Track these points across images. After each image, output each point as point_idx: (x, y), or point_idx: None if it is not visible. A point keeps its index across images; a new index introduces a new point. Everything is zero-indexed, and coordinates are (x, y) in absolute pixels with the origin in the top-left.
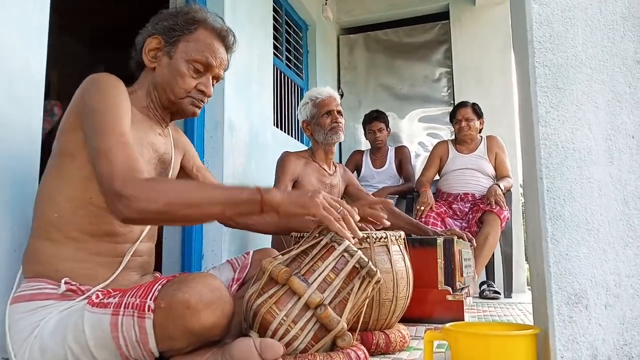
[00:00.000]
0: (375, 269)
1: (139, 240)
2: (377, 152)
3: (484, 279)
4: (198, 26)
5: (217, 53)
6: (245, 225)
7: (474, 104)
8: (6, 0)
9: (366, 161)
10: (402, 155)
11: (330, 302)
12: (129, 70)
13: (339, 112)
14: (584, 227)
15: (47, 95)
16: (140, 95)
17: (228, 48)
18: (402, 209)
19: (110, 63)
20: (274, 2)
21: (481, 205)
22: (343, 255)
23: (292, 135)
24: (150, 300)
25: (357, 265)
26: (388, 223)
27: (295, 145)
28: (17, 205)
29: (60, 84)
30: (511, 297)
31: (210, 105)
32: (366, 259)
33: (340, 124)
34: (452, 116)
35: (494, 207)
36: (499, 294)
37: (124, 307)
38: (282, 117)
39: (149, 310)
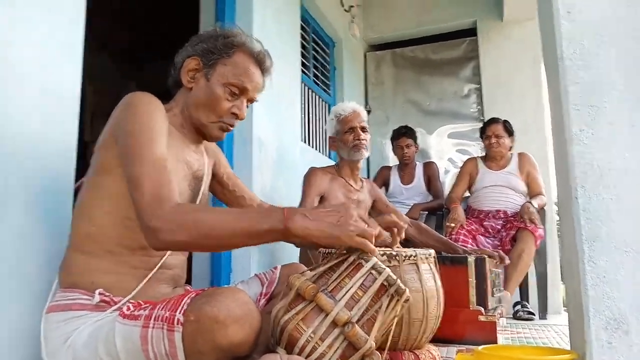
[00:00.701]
0: (403, 287)
1: (168, 253)
2: (405, 168)
3: (518, 299)
4: (236, 50)
5: (254, 77)
6: None
7: (505, 121)
8: (39, 15)
9: (394, 177)
10: (430, 171)
11: (358, 320)
12: (160, 86)
13: (362, 128)
14: (622, 249)
15: (82, 111)
16: (176, 113)
17: (264, 71)
18: (432, 226)
19: (141, 79)
20: (301, 19)
21: (515, 223)
22: (371, 273)
23: (320, 151)
24: (180, 313)
25: (385, 283)
26: (405, 227)
27: (323, 161)
28: (53, 219)
29: (95, 99)
30: (546, 319)
31: (240, 122)
32: (394, 277)
33: (362, 142)
34: (482, 132)
35: (528, 224)
36: (534, 314)
37: (154, 320)
38: (310, 133)
39: (178, 324)
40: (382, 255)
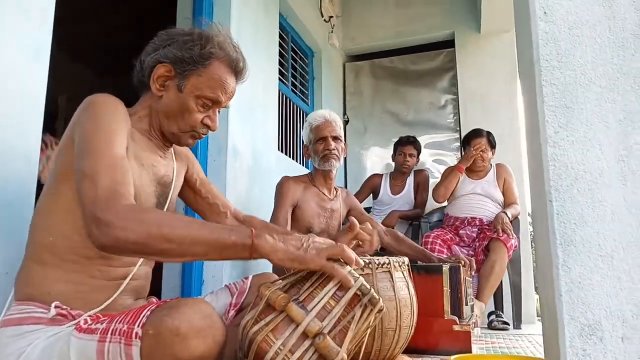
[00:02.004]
0: (377, 297)
1: (138, 264)
2: (398, 177)
3: (492, 308)
4: (212, 60)
5: (228, 88)
6: None
7: (489, 134)
8: (4, 17)
9: (384, 186)
10: (421, 179)
11: (330, 331)
12: (136, 95)
13: (334, 137)
14: (597, 253)
15: (55, 119)
16: (142, 117)
17: (239, 79)
18: (408, 235)
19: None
20: (280, 28)
21: (488, 233)
22: None
23: (297, 161)
24: (138, 326)
25: (358, 293)
26: (375, 246)
27: (299, 170)
28: (11, 228)
29: (69, 109)
30: (520, 328)
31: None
32: (368, 286)
33: (333, 152)
34: (465, 142)
35: (500, 234)
36: (508, 324)
37: (111, 334)
38: (288, 142)
39: (136, 337)
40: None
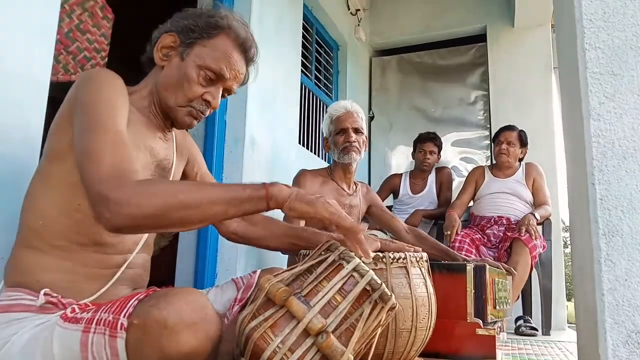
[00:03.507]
0: (389, 293)
1: (135, 251)
2: (418, 176)
3: (520, 313)
4: (220, 32)
5: (235, 65)
6: (249, 240)
7: (521, 131)
8: None
9: (404, 185)
10: (443, 177)
11: (335, 330)
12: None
13: (355, 129)
14: None
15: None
16: (143, 95)
17: (248, 60)
18: (433, 235)
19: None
20: (304, 20)
21: (509, 234)
22: (352, 275)
23: (319, 155)
24: (124, 317)
25: (367, 288)
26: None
27: (320, 164)
28: (9, 212)
29: None
30: (549, 335)
31: (231, 118)
32: (379, 281)
33: (353, 144)
34: (495, 137)
35: (523, 234)
36: (537, 330)
37: (96, 324)
38: (310, 135)
39: (121, 329)
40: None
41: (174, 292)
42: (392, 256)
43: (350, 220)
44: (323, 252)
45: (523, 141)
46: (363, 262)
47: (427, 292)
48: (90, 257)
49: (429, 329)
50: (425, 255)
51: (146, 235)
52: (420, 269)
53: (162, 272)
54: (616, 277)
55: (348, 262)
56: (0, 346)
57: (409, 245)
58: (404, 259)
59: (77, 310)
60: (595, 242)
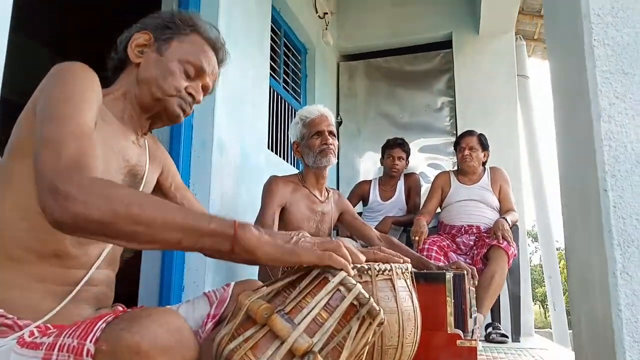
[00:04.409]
0: (377, 308)
1: (95, 266)
2: (387, 182)
3: (490, 320)
4: (193, 31)
5: (211, 61)
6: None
7: (480, 135)
8: None
9: (374, 192)
10: (412, 183)
11: (322, 349)
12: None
13: (330, 132)
14: None
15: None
16: (116, 96)
17: (220, 62)
18: (402, 242)
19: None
20: (272, 22)
21: (487, 240)
22: (338, 290)
23: (288, 161)
24: (90, 342)
25: (355, 303)
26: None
27: (289, 170)
28: None
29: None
30: (519, 341)
31: (199, 122)
32: (367, 295)
33: (331, 146)
34: (456, 144)
35: (501, 242)
36: (507, 337)
37: (59, 350)
38: (278, 140)
39: (87, 355)
40: (352, 268)
41: (147, 313)
42: (377, 268)
43: (335, 243)
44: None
45: (484, 144)
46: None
47: (413, 305)
48: (48, 270)
49: (415, 344)
50: (410, 266)
51: (109, 247)
52: (405, 280)
53: (124, 284)
54: (633, 291)
55: (334, 276)
56: None
57: (397, 254)
58: (389, 271)
59: (36, 333)
60: (609, 254)
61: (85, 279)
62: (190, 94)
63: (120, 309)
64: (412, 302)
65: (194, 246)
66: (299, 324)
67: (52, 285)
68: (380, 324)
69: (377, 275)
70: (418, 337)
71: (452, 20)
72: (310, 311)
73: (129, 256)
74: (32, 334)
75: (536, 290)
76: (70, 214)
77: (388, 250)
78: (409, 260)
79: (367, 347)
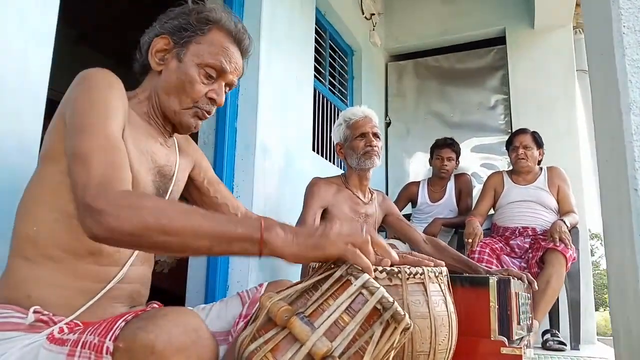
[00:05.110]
0: (402, 312)
1: (128, 264)
2: (436, 183)
3: (547, 327)
4: (212, 27)
5: (232, 57)
6: None
7: (534, 132)
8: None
9: (422, 193)
10: (463, 184)
11: (342, 354)
12: None
13: (374, 134)
14: None
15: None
16: (141, 100)
17: (243, 52)
18: (453, 245)
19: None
20: (317, 25)
21: (543, 243)
22: (361, 293)
23: (333, 162)
24: (110, 339)
25: (378, 306)
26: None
27: (335, 172)
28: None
29: None
30: (579, 349)
31: (242, 125)
32: (390, 299)
33: (375, 148)
34: (509, 143)
35: (558, 244)
36: (565, 345)
37: (81, 347)
38: (324, 142)
39: (107, 353)
40: (381, 272)
41: (162, 313)
42: (408, 271)
43: (362, 238)
44: (330, 266)
45: (539, 142)
46: (375, 277)
47: (447, 310)
48: (84, 268)
49: (450, 351)
50: (445, 269)
51: None
52: (439, 285)
53: (178, 284)
54: None
55: (356, 278)
56: None
57: (430, 258)
58: (421, 275)
59: (65, 330)
60: (639, 258)
61: (119, 275)
62: (210, 99)
63: (156, 305)
64: (447, 306)
65: (224, 251)
66: (318, 327)
67: (86, 283)
68: (406, 329)
69: (407, 279)
70: (453, 343)
71: (505, 16)
72: (332, 314)
73: (165, 267)
74: (61, 330)
75: (605, 296)
76: (104, 228)
77: (419, 254)
78: (442, 263)
79: (393, 353)
